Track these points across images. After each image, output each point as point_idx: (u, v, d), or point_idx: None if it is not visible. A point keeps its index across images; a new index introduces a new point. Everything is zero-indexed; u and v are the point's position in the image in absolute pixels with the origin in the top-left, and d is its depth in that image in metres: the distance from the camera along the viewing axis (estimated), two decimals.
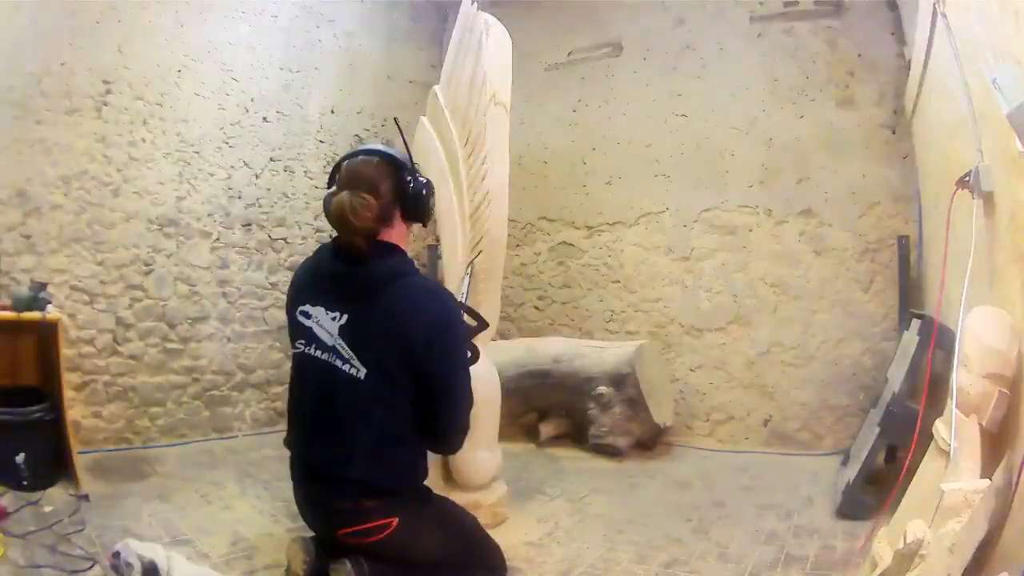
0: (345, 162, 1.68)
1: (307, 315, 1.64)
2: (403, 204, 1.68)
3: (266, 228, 3.98)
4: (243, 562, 2.23)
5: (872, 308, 3.73)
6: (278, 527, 2.53)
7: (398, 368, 1.58)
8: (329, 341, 1.60)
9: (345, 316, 1.59)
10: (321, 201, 1.78)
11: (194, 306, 3.62)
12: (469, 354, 1.80)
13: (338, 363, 1.59)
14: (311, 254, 1.79)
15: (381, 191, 1.63)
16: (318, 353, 1.61)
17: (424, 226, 1.82)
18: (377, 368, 1.57)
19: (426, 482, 1.87)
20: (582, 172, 4.62)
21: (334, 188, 1.66)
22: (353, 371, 1.57)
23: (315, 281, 1.68)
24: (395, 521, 1.60)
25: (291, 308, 1.69)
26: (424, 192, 1.70)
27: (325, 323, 1.61)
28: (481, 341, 2.70)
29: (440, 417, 1.67)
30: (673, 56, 4.31)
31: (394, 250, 1.68)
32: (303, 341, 1.65)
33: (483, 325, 2.04)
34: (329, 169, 1.75)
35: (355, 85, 4.43)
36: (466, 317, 1.93)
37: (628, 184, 4.45)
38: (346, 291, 1.62)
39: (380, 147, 1.71)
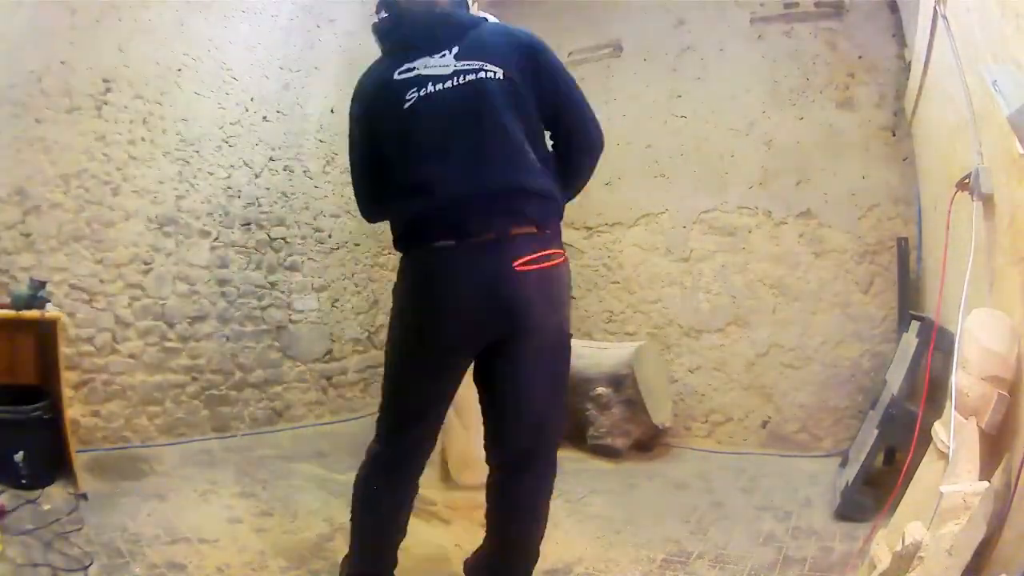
0: None
1: (410, 70, 1.62)
2: None
3: (265, 228, 3.98)
4: (242, 563, 2.23)
5: (871, 310, 3.73)
6: (276, 527, 2.53)
7: (523, 74, 1.60)
8: (447, 71, 1.58)
9: (456, 47, 1.61)
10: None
11: (193, 305, 3.62)
12: None
13: (471, 77, 1.57)
14: (372, 64, 1.77)
15: None
16: (439, 86, 1.58)
17: None
18: (509, 69, 1.59)
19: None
20: None
21: None
22: (491, 74, 1.57)
23: (402, 40, 1.67)
24: (564, 256, 1.62)
25: (380, 88, 1.66)
26: None
27: (434, 63, 1.60)
28: None
29: (580, 126, 1.70)
30: (673, 57, 4.31)
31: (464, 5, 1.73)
32: (414, 89, 1.59)
33: None
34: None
35: (355, 85, 4.42)
36: None
37: (627, 185, 4.45)
38: (445, 32, 1.63)
39: None
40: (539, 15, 4.67)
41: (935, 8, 2.39)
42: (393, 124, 1.62)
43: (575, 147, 1.76)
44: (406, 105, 1.58)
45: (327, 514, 2.67)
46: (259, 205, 3.94)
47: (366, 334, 4.50)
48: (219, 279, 3.74)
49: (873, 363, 3.67)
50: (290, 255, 4.10)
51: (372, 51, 1.79)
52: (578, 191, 1.86)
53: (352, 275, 4.45)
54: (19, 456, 2.54)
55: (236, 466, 3.20)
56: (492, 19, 1.76)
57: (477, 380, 1.73)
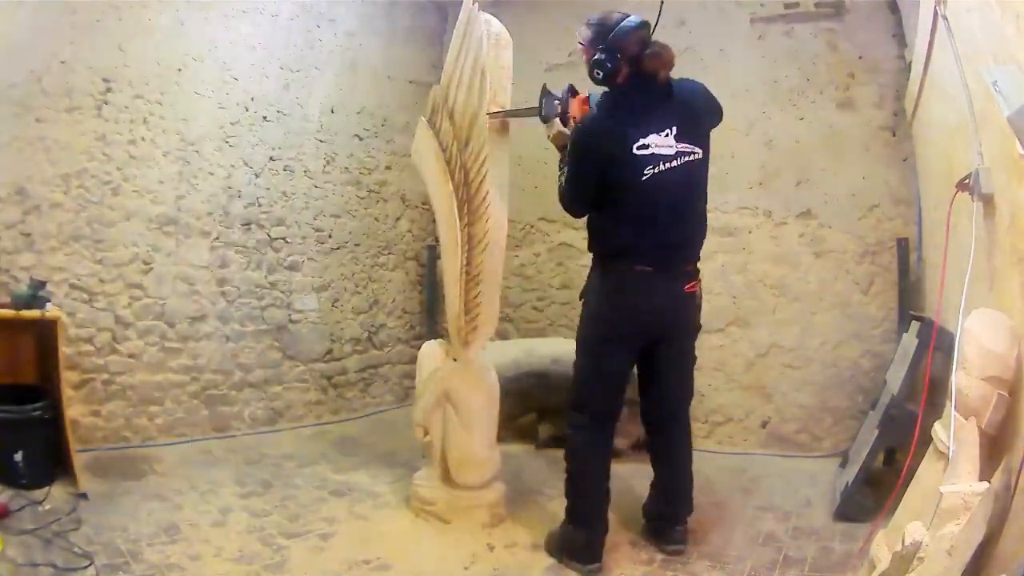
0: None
1: (645, 147, 2.14)
2: None
3: (265, 227, 3.97)
4: (241, 563, 2.23)
5: (871, 310, 3.73)
6: (276, 527, 2.53)
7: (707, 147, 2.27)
8: (671, 152, 2.15)
9: (675, 127, 2.17)
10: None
11: (193, 305, 3.62)
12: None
13: (687, 159, 2.16)
14: (597, 113, 2.35)
15: None
16: (666, 165, 2.14)
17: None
18: (705, 148, 2.24)
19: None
20: None
21: (649, 47, 2.21)
22: (696, 156, 2.18)
23: (640, 119, 2.18)
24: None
25: (620, 151, 2.15)
26: None
27: (662, 143, 2.15)
28: (480, 342, 2.71)
29: None
30: None
31: None
32: (651, 167, 2.14)
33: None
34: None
35: (355, 85, 4.42)
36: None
37: None
38: (669, 110, 2.20)
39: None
40: (539, 15, 4.67)
41: (935, 8, 2.39)
42: (629, 182, 2.18)
43: None
44: (643, 178, 2.16)
45: (327, 514, 2.67)
46: (259, 205, 3.94)
47: (366, 334, 4.50)
48: (219, 279, 3.74)
49: (873, 363, 3.67)
50: (290, 255, 4.10)
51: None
52: None
53: (352, 275, 4.44)
54: (19, 456, 2.54)
55: (236, 466, 3.20)
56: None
57: (639, 365, 2.42)
